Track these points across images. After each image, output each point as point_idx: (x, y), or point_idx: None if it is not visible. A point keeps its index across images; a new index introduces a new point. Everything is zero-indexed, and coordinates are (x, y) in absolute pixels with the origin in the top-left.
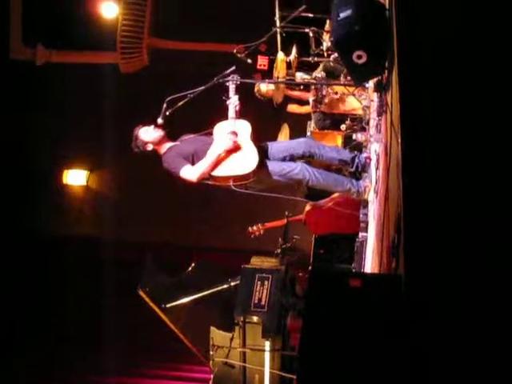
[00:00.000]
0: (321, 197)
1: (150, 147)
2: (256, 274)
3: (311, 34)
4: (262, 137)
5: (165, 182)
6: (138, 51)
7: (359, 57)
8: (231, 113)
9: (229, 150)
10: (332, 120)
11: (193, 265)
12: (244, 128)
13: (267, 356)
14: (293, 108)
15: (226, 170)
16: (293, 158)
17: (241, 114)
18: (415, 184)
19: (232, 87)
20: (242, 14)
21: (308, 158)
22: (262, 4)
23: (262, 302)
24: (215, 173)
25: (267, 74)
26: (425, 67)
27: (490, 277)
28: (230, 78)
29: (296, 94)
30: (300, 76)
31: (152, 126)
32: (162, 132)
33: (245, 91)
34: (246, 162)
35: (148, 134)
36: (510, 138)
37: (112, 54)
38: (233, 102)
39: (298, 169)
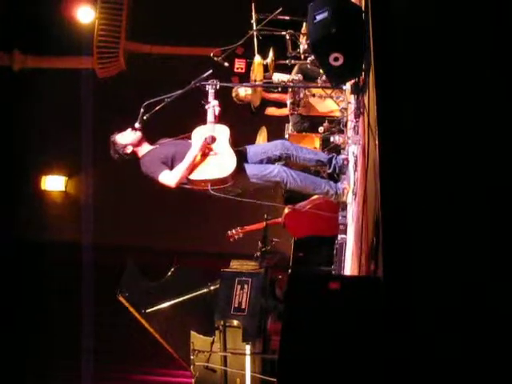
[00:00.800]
0: (299, 200)
1: (129, 149)
2: (236, 277)
3: (288, 37)
4: (240, 140)
5: (144, 187)
6: (115, 56)
7: (336, 59)
8: (210, 117)
9: (205, 154)
10: (310, 122)
11: (172, 269)
12: (223, 132)
13: (248, 360)
14: (271, 111)
15: (203, 173)
16: (270, 161)
17: (220, 119)
18: (393, 186)
19: (211, 92)
20: (218, 17)
21: (285, 160)
22: (238, 7)
23: (242, 306)
24: (193, 177)
25: (244, 77)
26: (401, 68)
27: (469, 278)
28: (209, 82)
29: (274, 96)
30: (277, 78)
31: (128, 129)
32: (139, 133)
33: (222, 95)
34: (223, 165)
35: (125, 137)
36: (490, 138)
37: (89, 58)
38: (212, 106)
39: (276, 171)
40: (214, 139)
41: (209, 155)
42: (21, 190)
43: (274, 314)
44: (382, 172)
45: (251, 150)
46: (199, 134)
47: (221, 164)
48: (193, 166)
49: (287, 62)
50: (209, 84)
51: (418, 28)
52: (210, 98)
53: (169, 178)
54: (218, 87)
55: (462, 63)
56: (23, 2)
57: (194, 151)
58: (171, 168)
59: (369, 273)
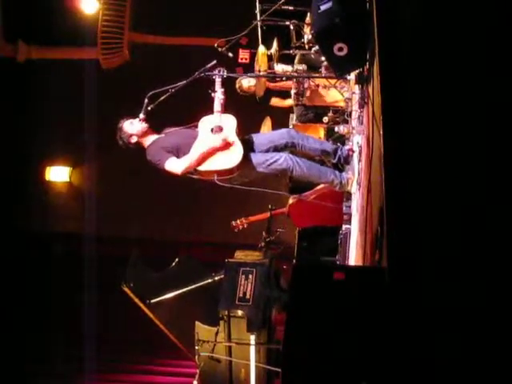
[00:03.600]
0: (304, 189)
1: (134, 139)
2: (240, 267)
3: (292, 27)
4: (245, 130)
5: (148, 177)
6: (119, 46)
7: (340, 49)
8: (216, 106)
9: (220, 148)
10: (314, 113)
11: (177, 260)
12: (229, 122)
13: (252, 350)
14: (276, 102)
15: (210, 164)
16: (276, 149)
17: (225, 108)
18: (397, 176)
19: (218, 81)
20: (222, 7)
21: (291, 148)
22: None
23: (247, 296)
24: (200, 167)
25: (249, 68)
26: (405, 59)
27: (473, 267)
28: (216, 71)
29: (278, 85)
30: (281, 68)
31: (137, 119)
32: (146, 125)
33: (226, 85)
34: (230, 156)
35: (133, 126)
36: (492, 129)
37: (93, 49)
38: (218, 95)
39: (282, 159)
40: (220, 129)
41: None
42: (25, 180)
43: (279, 304)
44: (386, 162)
45: (257, 139)
46: (206, 124)
47: (227, 154)
48: (202, 158)
49: (291, 52)
50: (216, 73)
51: (422, 17)
52: (217, 86)
53: (175, 165)
54: (225, 76)
55: (467, 52)
56: None
57: (207, 146)
58: (177, 157)
59: (373, 263)
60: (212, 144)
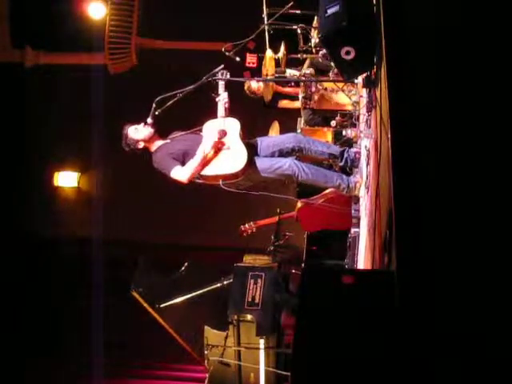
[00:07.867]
0: (312, 194)
1: (140, 145)
2: (249, 272)
3: (299, 31)
4: (253, 134)
5: (156, 182)
6: (126, 51)
7: (347, 53)
8: (220, 110)
9: (218, 149)
10: (322, 116)
11: (185, 264)
12: (233, 126)
13: (262, 354)
14: (284, 103)
15: (215, 169)
16: (282, 153)
17: (230, 112)
18: (405, 179)
19: (221, 84)
20: (229, 11)
21: (297, 153)
22: (249, 1)
23: (256, 300)
24: (205, 172)
25: (256, 72)
26: (413, 62)
27: (481, 269)
28: (219, 74)
29: (287, 90)
30: (289, 72)
31: (142, 124)
32: (151, 129)
33: (234, 89)
34: (234, 160)
35: (138, 133)
36: (501, 133)
37: (100, 54)
38: (222, 99)
39: (287, 164)
40: (224, 133)
41: (220, 150)
42: (34, 186)
43: (288, 309)
44: (394, 165)
45: (263, 143)
46: (210, 128)
47: (232, 159)
48: (205, 162)
49: (299, 56)
50: (219, 76)
51: (429, 20)
52: (220, 90)
53: (180, 173)
54: (227, 77)
55: (477, 55)
56: None
57: (205, 148)
58: (183, 163)
59: (382, 266)
60: (209, 147)
